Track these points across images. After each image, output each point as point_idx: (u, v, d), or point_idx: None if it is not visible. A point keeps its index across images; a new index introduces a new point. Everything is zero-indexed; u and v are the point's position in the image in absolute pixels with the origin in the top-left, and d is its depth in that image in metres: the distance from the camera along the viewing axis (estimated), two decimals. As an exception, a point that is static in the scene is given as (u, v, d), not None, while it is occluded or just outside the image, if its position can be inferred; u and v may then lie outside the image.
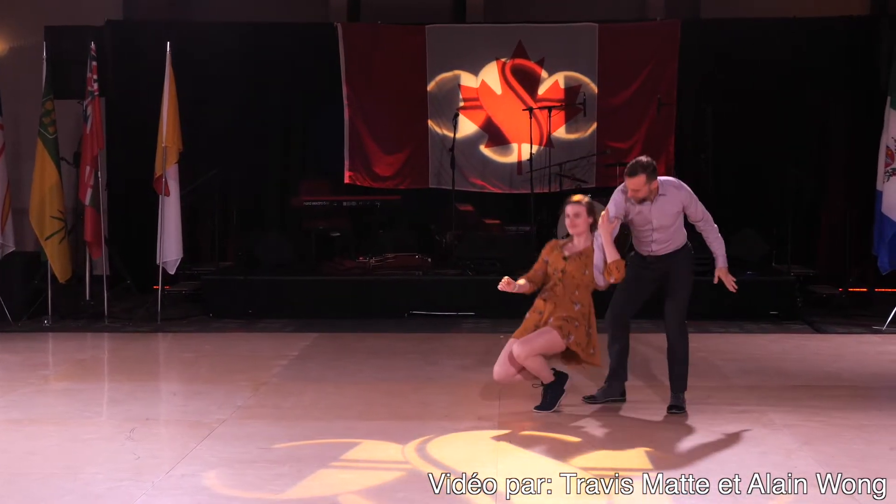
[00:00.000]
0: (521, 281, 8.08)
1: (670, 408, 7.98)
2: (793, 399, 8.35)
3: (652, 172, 7.85)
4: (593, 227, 7.99)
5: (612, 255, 7.78)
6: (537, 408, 7.99)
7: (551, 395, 8.01)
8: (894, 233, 11.71)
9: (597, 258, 7.87)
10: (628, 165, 7.91)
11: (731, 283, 8.09)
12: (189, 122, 13.03)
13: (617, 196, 8.03)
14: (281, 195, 15.14)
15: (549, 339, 7.86)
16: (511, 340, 8.00)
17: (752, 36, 14.69)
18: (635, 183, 7.82)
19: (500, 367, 7.97)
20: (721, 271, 8.08)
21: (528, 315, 8.09)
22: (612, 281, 7.86)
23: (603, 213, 7.92)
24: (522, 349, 7.83)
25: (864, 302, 13.21)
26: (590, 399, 8.27)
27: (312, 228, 14.25)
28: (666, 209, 7.92)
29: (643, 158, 7.91)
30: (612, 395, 8.26)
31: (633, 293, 8.12)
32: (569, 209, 8.04)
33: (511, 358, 7.90)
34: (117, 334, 11.63)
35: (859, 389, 8.82)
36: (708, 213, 8.04)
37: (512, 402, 8.34)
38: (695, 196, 8.02)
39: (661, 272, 8.03)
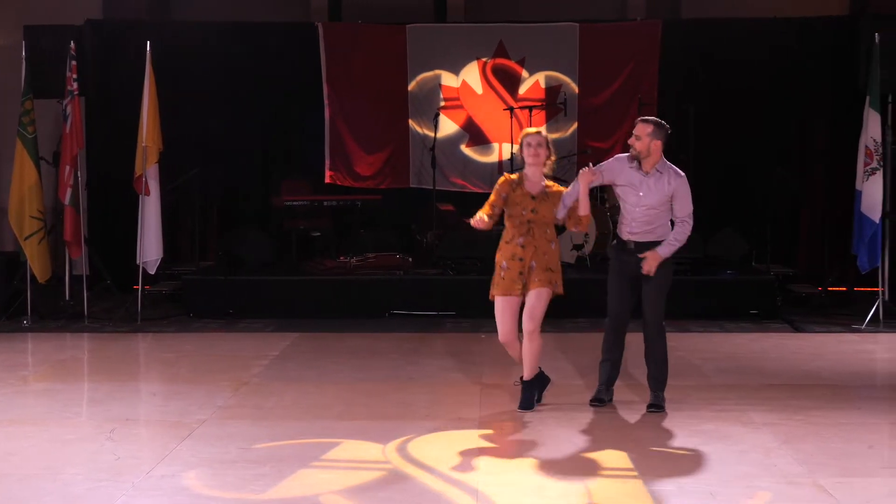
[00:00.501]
0: (481, 216, 7.95)
1: (650, 406, 7.99)
2: (772, 398, 8.38)
3: (660, 128, 7.87)
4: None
5: (585, 208, 7.84)
6: (521, 407, 7.99)
7: (530, 394, 8.01)
8: (874, 232, 11.76)
9: (568, 195, 7.91)
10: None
11: (649, 267, 7.83)
12: (169, 121, 12.99)
13: (611, 161, 8.05)
14: (261, 195, 15.12)
15: (546, 300, 7.92)
16: (502, 299, 7.96)
17: (732, 36, 14.73)
18: (640, 129, 7.85)
19: (507, 327, 7.98)
20: (653, 254, 7.81)
21: (505, 264, 7.98)
22: (573, 229, 8.01)
23: (586, 167, 7.92)
24: (533, 323, 7.86)
25: (843, 301, 13.26)
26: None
27: (293, 228, 14.24)
28: (658, 187, 7.86)
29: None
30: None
31: (623, 291, 8.06)
32: (531, 139, 7.99)
33: (513, 318, 7.93)
34: (97, 334, 11.59)
35: (838, 388, 8.86)
36: (692, 218, 7.94)
37: (492, 401, 8.35)
38: (690, 194, 7.96)
39: (638, 265, 7.91)
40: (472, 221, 7.93)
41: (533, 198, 7.94)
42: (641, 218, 7.91)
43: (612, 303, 8.12)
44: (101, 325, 12.01)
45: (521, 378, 8.11)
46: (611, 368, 8.23)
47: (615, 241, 8.20)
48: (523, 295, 7.97)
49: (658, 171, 7.90)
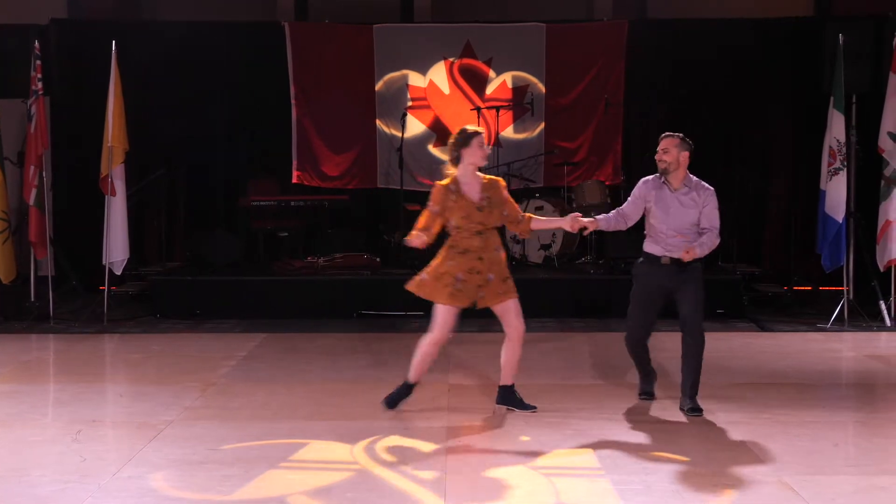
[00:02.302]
0: (419, 234, 7.92)
1: (691, 410, 7.89)
2: (738, 396, 8.43)
3: (685, 141, 7.95)
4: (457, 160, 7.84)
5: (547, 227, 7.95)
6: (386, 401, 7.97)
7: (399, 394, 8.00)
8: (837, 232, 11.84)
9: (541, 223, 8.19)
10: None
11: (689, 253, 7.79)
12: (135, 121, 12.94)
13: (639, 188, 8.05)
14: (228, 195, 15.06)
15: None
16: (454, 309, 7.95)
17: (698, 36, 14.81)
18: (667, 143, 7.93)
19: (446, 332, 8.02)
20: (692, 246, 7.79)
21: (461, 276, 7.86)
22: (517, 233, 8.22)
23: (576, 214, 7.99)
24: (522, 331, 7.95)
25: (808, 300, 13.35)
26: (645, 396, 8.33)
27: (260, 228, 14.21)
28: (689, 203, 7.87)
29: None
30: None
31: (648, 313, 8.09)
32: (482, 139, 7.88)
33: (453, 325, 7.95)
34: (63, 335, 11.52)
35: (804, 387, 8.92)
36: (718, 231, 7.94)
37: (460, 401, 8.36)
38: (717, 208, 7.94)
39: (670, 277, 7.89)
40: (411, 241, 7.81)
41: (479, 209, 7.81)
42: (676, 236, 7.87)
43: (633, 327, 8.12)
44: (67, 326, 11.95)
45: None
46: (648, 373, 8.34)
47: (640, 260, 8.11)
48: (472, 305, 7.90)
49: (686, 185, 7.91)
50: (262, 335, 11.40)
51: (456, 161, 7.90)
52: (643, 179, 8.09)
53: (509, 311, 7.91)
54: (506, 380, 8.03)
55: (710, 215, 7.89)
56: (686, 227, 7.86)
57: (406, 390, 8.01)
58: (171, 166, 14.32)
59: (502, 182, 8.00)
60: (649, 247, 8.01)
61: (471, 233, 7.84)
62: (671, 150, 7.91)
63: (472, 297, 7.90)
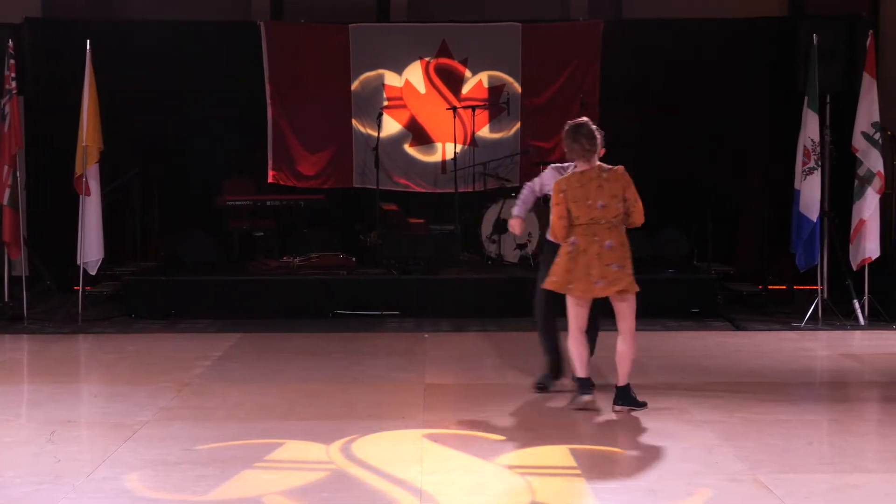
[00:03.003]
0: None
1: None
2: (713, 395, 8.46)
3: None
4: (569, 155, 8.09)
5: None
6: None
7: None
8: (811, 231, 11.89)
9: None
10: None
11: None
12: (110, 121, 12.87)
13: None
14: (204, 194, 14.99)
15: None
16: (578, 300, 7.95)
17: (673, 36, 14.83)
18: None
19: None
20: None
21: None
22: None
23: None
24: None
25: (783, 299, 13.40)
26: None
27: (236, 228, 14.17)
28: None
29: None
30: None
31: None
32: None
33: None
34: (37, 336, 11.46)
35: (779, 385, 8.96)
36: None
37: (436, 401, 8.36)
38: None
39: None
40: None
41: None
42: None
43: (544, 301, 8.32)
44: (41, 327, 11.88)
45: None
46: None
47: (548, 246, 8.28)
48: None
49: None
50: (237, 335, 11.36)
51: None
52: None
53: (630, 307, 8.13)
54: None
55: None
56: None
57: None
58: (145, 166, 14.26)
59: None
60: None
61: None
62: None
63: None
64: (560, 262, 7.87)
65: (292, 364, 9.89)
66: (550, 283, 7.92)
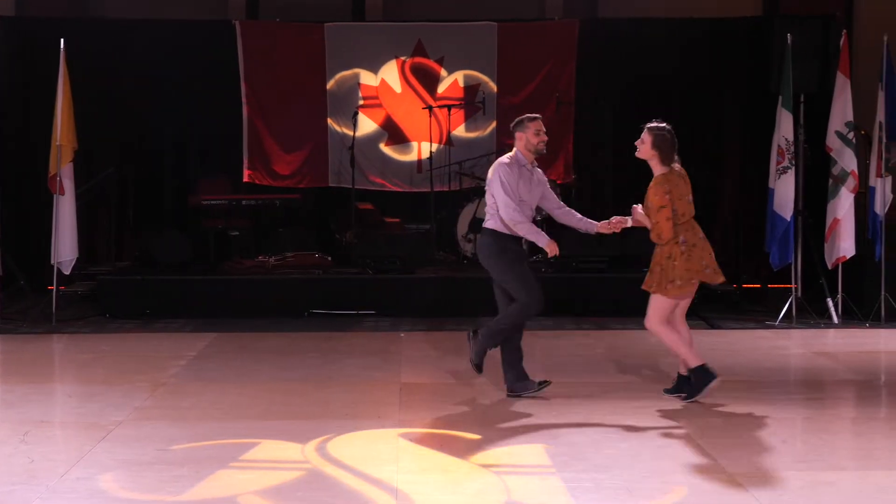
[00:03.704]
0: None
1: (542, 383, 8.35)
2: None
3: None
4: (663, 159, 8.19)
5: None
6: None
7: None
8: (785, 230, 11.95)
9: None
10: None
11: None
12: (84, 120, 12.83)
13: (508, 172, 8.32)
14: (179, 194, 14.95)
15: (653, 303, 8.25)
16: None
17: (648, 35, 14.85)
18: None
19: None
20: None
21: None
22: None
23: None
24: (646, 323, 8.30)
25: (757, 297, 13.47)
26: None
27: (211, 227, 14.12)
28: (540, 179, 8.45)
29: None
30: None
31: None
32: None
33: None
34: (11, 336, 11.40)
35: (753, 383, 8.99)
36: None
37: (412, 400, 8.37)
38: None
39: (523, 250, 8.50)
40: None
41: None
42: (533, 210, 8.41)
43: (536, 290, 8.25)
44: (15, 327, 11.83)
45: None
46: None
47: (507, 240, 8.27)
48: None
49: (533, 164, 8.40)
50: (212, 335, 11.34)
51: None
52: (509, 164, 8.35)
53: (648, 304, 8.25)
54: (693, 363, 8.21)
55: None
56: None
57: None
58: (120, 165, 14.20)
59: (654, 186, 8.21)
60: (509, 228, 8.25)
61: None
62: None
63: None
64: (678, 265, 8.05)
65: (268, 364, 9.87)
66: (678, 289, 8.07)
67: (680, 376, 8.34)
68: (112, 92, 14.55)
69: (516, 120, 8.47)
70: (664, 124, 8.25)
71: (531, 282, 8.22)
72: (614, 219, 8.36)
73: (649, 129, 8.23)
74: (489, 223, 8.32)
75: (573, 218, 8.49)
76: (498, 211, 8.23)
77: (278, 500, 5.90)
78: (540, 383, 8.30)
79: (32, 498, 5.91)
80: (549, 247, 8.21)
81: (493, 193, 8.29)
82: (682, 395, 8.23)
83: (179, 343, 10.89)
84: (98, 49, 14.33)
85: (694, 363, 8.15)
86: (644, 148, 8.21)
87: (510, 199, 8.20)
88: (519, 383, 8.31)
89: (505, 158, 8.39)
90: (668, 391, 8.39)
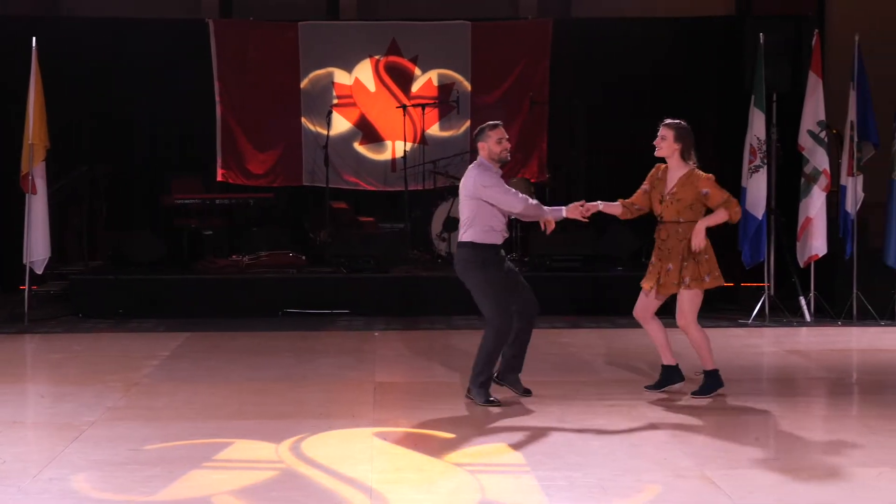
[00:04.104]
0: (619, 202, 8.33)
1: (526, 392, 8.22)
2: (662, 392, 8.49)
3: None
4: (684, 154, 8.13)
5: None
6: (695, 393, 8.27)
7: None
8: (757, 228, 12.00)
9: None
10: None
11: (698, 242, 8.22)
12: (56, 119, 12.77)
13: (496, 181, 8.08)
14: (152, 193, 14.91)
15: (688, 299, 8.23)
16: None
17: (622, 35, 14.91)
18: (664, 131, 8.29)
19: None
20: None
21: (654, 259, 8.32)
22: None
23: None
24: (682, 320, 8.31)
25: (730, 296, 13.50)
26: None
27: (184, 227, 14.09)
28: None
29: None
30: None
31: (518, 281, 8.23)
32: (659, 131, 8.23)
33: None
34: (-18, 336, 11.36)
35: (726, 381, 8.98)
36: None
37: (386, 399, 8.36)
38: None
39: (504, 263, 8.19)
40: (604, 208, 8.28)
41: (661, 201, 8.18)
42: (505, 224, 8.14)
43: (508, 311, 8.04)
44: (-14, 327, 11.78)
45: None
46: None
47: (486, 250, 8.01)
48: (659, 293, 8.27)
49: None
50: (185, 334, 11.31)
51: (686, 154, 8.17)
52: (487, 169, 8.16)
53: (678, 301, 8.23)
54: (667, 360, 8.39)
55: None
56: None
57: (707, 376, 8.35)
58: (92, 164, 14.15)
59: (704, 178, 8.15)
60: (491, 237, 8.03)
61: (658, 221, 8.19)
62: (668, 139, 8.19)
63: (655, 282, 8.22)
64: (710, 258, 8.20)
65: (241, 363, 9.85)
66: (715, 281, 8.23)
67: (664, 368, 8.37)
68: (84, 91, 14.50)
69: (478, 129, 8.27)
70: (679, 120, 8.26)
71: (504, 304, 8.00)
72: (586, 204, 8.22)
73: (668, 125, 8.21)
74: (466, 235, 8.01)
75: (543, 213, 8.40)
76: (477, 217, 7.98)
77: (252, 500, 5.89)
78: (490, 400, 8.06)
79: (4, 499, 5.87)
80: (575, 211, 8.16)
81: (469, 202, 8.05)
82: (673, 384, 8.36)
83: (152, 343, 10.86)
84: (70, 48, 14.27)
85: (710, 366, 8.31)
86: (666, 144, 8.17)
87: (506, 193, 7.99)
88: (477, 387, 8.16)
89: (474, 164, 8.22)
90: (650, 387, 8.41)
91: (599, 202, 8.25)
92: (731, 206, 8.13)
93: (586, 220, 8.36)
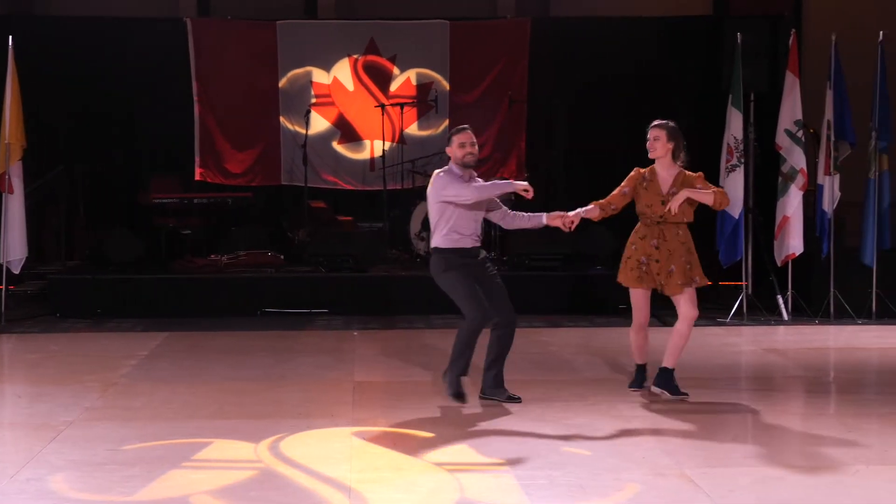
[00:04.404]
0: (593, 204, 8.23)
1: (512, 398, 8.10)
2: (644, 390, 8.51)
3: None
4: (675, 153, 8.10)
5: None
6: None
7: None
8: (734, 227, 12.04)
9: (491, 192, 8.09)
10: None
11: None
12: (33, 118, 12.72)
13: (446, 178, 8.05)
14: (130, 193, 14.87)
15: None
16: (639, 291, 8.23)
17: (600, 34, 14.95)
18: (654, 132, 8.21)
19: (639, 316, 8.34)
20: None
21: (643, 259, 8.17)
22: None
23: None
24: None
25: (708, 295, 13.52)
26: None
27: (163, 226, 14.05)
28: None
29: None
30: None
31: (491, 285, 8.17)
32: (649, 133, 8.17)
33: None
34: (-41, 336, 11.30)
35: (704, 380, 9.04)
36: None
37: (365, 399, 8.36)
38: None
39: (480, 267, 8.11)
40: (582, 213, 8.18)
41: (663, 201, 8.09)
42: (478, 221, 8.13)
43: (481, 305, 8.05)
44: (-37, 327, 11.72)
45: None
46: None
47: (451, 255, 8.01)
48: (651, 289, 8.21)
49: (472, 178, 8.15)
50: (163, 334, 11.27)
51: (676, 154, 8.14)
52: (442, 175, 8.12)
53: (681, 299, 8.14)
54: (667, 362, 8.23)
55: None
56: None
57: (639, 372, 8.35)
58: (70, 164, 14.10)
59: (697, 177, 8.15)
60: (460, 241, 8.02)
61: (652, 221, 8.10)
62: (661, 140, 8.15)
63: (655, 282, 8.16)
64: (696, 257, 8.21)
65: (220, 363, 9.83)
66: (705, 277, 8.28)
67: (638, 367, 8.39)
68: (62, 90, 14.45)
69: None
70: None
71: (478, 298, 8.00)
72: (571, 213, 8.18)
73: (659, 125, 8.18)
74: (433, 241, 8.11)
75: (522, 220, 8.37)
76: (440, 221, 8.01)
77: (231, 500, 5.88)
78: (456, 393, 8.05)
79: (-19, 499, 5.85)
80: (526, 190, 7.99)
81: (433, 207, 8.09)
82: (647, 386, 8.34)
83: (131, 342, 10.82)
84: (47, 47, 14.22)
85: (672, 365, 8.26)
86: (660, 144, 8.13)
87: (459, 187, 7.96)
88: (449, 377, 8.18)
89: (441, 171, 8.17)
90: (632, 385, 8.43)
91: (579, 210, 8.21)
92: (720, 195, 8.12)
93: (569, 230, 8.32)
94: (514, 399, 8.09)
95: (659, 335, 11.09)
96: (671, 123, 8.21)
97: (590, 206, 8.24)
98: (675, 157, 8.18)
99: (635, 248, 8.21)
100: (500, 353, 8.12)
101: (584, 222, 8.39)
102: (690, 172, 8.20)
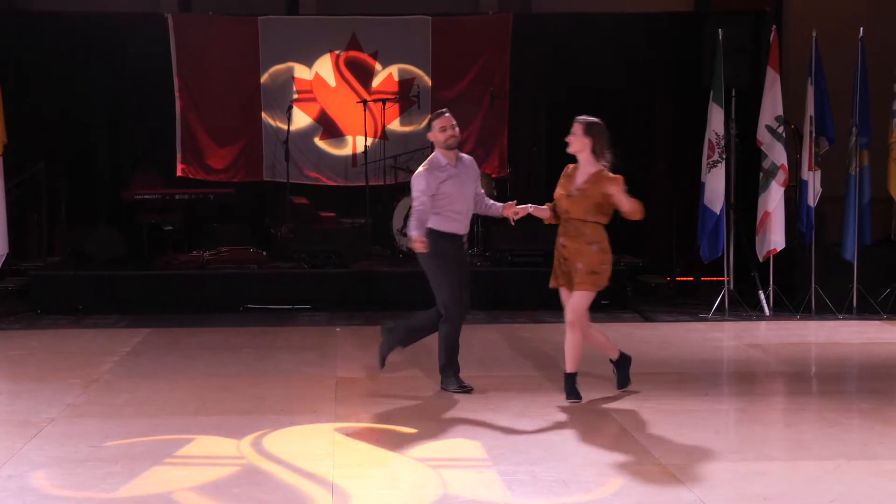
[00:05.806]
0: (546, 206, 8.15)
1: (463, 387, 8.26)
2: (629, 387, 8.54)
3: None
4: (596, 151, 7.96)
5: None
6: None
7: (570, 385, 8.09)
8: (715, 223, 12.07)
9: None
10: None
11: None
12: (13, 114, 12.67)
13: (424, 176, 8.17)
14: (111, 189, 14.82)
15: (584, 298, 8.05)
16: (561, 290, 8.13)
17: (582, 30, 14.96)
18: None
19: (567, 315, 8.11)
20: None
21: (559, 257, 8.09)
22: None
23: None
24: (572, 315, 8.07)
25: (690, 290, 13.60)
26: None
27: (144, 222, 14.00)
28: (470, 174, 8.39)
29: None
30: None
31: (463, 277, 8.29)
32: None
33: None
34: (-60, 333, 11.26)
35: (687, 375, 9.08)
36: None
37: (348, 395, 8.36)
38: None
39: (461, 253, 8.29)
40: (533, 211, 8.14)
41: (568, 196, 7.99)
42: (467, 210, 8.27)
43: (462, 303, 8.20)
44: (-57, 324, 11.68)
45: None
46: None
47: (446, 239, 8.15)
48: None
49: (459, 160, 8.33)
50: (146, 330, 11.24)
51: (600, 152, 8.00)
52: (428, 166, 8.24)
53: (570, 301, 8.03)
54: (567, 367, 8.09)
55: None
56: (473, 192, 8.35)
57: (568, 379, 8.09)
58: (51, 160, 14.04)
59: (611, 179, 7.96)
60: (450, 226, 8.19)
61: (563, 218, 8.01)
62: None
63: (564, 280, 8.06)
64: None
65: (202, 359, 9.81)
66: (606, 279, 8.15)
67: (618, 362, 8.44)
68: (42, 85, 14.39)
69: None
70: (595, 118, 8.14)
71: (459, 295, 8.13)
72: (516, 207, 8.19)
73: (578, 120, 8.06)
74: (430, 223, 8.22)
75: (488, 207, 8.47)
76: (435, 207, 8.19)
77: (214, 496, 5.87)
78: (462, 387, 8.28)
79: (-37, 497, 5.84)
80: (508, 210, 8.16)
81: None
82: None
83: (112, 339, 10.79)
84: (28, 42, 14.17)
85: (572, 370, 8.11)
86: (576, 139, 7.99)
87: (420, 187, 8.17)
88: (447, 377, 8.32)
89: (421, 167, 8.26)
90: (621, 387, 8.44)
91: (530, 205, 8.20)
92: (637, 206, 8.05)
93: (513, 223, 8.37)
94: (464, 388, 8.29)
95: (639, 331, 11.15)
96: (593, 120, 8.05)
97: (544, 207, 8.17)
98: (595, 154, 7.98)
99: (557, 245, 8.13)
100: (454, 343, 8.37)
101: None
102: (608, 173, 7.97)
